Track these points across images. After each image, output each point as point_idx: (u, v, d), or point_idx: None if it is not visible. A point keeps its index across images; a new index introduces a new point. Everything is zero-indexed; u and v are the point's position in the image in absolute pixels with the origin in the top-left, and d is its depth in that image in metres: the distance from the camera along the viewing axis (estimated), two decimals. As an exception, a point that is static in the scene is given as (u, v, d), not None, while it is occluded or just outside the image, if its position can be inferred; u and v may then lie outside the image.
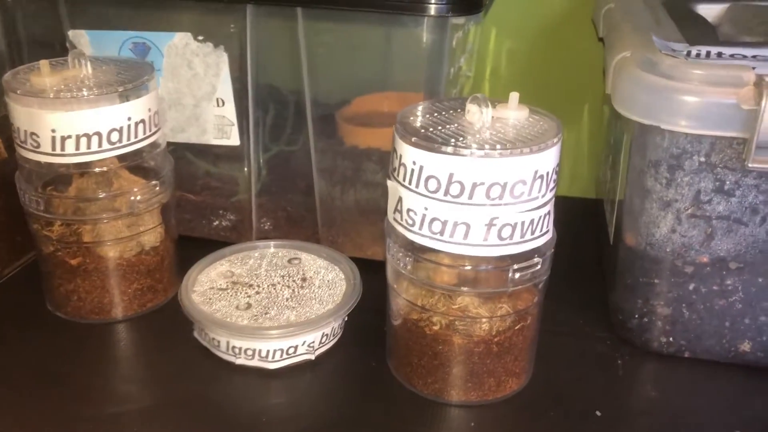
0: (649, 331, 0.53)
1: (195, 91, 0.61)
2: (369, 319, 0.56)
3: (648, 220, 0.49)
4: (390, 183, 0.46)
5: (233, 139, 0.62)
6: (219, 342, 0.51)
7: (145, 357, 0.53)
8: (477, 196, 0.42)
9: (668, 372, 0.52)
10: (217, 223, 0.66)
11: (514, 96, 0.45)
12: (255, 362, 0.51)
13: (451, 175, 0.42)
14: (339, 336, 0.54)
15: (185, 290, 0.53)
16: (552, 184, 0.44)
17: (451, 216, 0.43)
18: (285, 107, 0.63)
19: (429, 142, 0.42)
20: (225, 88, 0.60)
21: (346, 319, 0.55)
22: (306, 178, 0.64)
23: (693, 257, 0.49)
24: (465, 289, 0.45)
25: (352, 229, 0.64)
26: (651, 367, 0.53)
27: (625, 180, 0.52)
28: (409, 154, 0.43)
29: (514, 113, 0.45)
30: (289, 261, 0.58)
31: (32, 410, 0.47)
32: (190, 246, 0.61)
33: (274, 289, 0.54)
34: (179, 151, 0.65)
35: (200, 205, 0.66)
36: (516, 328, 0.47)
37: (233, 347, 0.50)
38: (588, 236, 0.69)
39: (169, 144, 0.59)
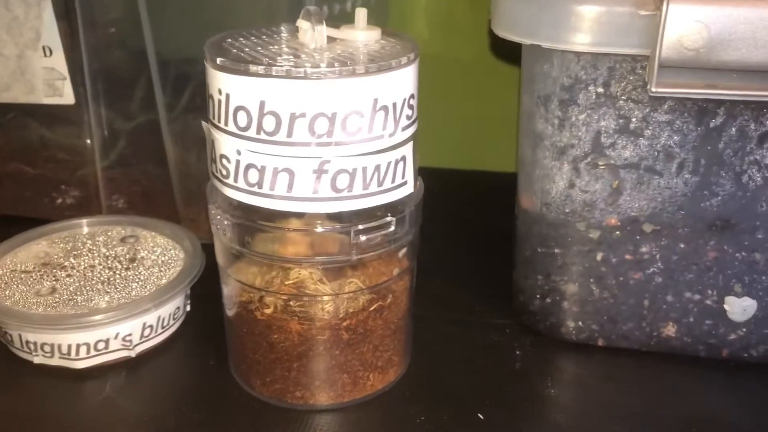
0: (554, 315, 0.43)
1: (16, 38, 0.51)
2: (215, 310, 0.46)
3: (542, 174, 0.40)
4: (205, 125, 0.36)
5: (66, 97, 0.52)
6: (12, 336, 0.40)
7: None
8: (298, 132, 0.32)
9: (578, 364, 0.43)
10: (60, 201, 0.56)
11: (362, 13, 0.36)
12: (56, 360, 0.40)
13: (262, 104, 0.32)
14: (174, 328, 0.44)
15: (-23, 273, 0.42)
16: (406, 121, 0.34)
17: (269, 161, 0.33)
18: (130, 63, 0.53)
19: (236, 62, 0.32)
20: (51, 34, 0.50)
21: (187, 308, 0.44)
22: (160, 151, 0.54)
23: (598, 219, 0.39)
24: (301, 258, 0.35)
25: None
26: (556, 359, 0.43)
27: (517, 130, 0.43)
28: (215, 82, 0.33)
29: (362, 34, 0.35)
30: (123, 240, 0.47)
31: None
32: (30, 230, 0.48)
33: (92, 271, 0.44)
34: (16, 117, 0.54)
35: (40, 180, 0.56)
36: (371, 309, 0.37)
37: (27, 342, 0.40)
38: (508, 214, 0.59)
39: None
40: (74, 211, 0.56)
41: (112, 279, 0.43)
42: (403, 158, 0.35)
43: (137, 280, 0.43)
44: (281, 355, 0.37)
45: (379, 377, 0.39)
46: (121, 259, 0.45)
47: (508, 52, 0.61)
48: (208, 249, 0.42)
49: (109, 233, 0.48)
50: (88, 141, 0.54)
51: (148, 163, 0.55)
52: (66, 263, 0.44)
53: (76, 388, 0.40)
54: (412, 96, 0.34)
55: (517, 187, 0.43)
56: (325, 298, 0.36)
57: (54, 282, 0.42)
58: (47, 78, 0.51)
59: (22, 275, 0.43)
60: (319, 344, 0.37)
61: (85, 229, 0.48)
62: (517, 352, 0.43)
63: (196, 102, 0.50)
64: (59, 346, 0.40)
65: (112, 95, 0.53)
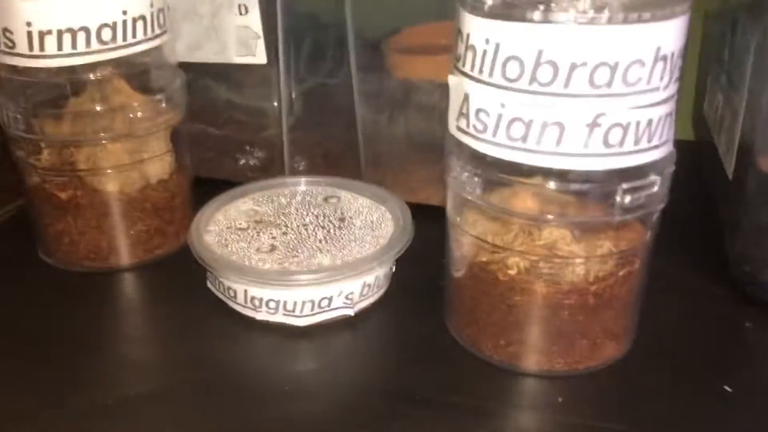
0: (789, 286, 0.40)
1: (213, -3, 0.51)
2: (420, 271, 0.45)
3: (797, 134, 0.37)
4: (453, 79, 0.35)
5: (259, 56, 0.52)
6: (235, 292, 0.40)
7: (149, 312, 0.43)
8: (576, 82, 0.30)
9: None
10: (243, 162, 0.56)
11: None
12: (280, 317, 0.40)
13: (539, 54, 0.30)
14: (384, 289, 0.43)
15: (196, 229, 0.43)
16: (677, 73, 0.32)
17: (538, 114, 0.31)
18: (323, 34, 0.52)
19: (509, 9, 0.31)
20: (248, -9, 0.50)
21: (393, 268, 0.44)
22: (348, 112, 0.53)
23: None
24: (555, 218, 0.34)
25: (401, 167, 0.52)
26: (791, 333, 0.41)
27: (753, 93, 0.40)
28: (480, 31, 0.32)
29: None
30: (325, 199, 0.47)
31: (15, 375, 0.38)
32: (212, 190, 0.48)
33: (306, 229, 0.43)
34: (198, 78, 0.54)
35: (223, 141, 0.56)
36: (620, 274, 0.35)
37: (252, 298, 0.40)
38: (688, 182, 0.56)
39: (185, 69, 0.49)
40: (257, 172, 0.56)
41: (328, 237, 0.42)
42: (670, 114, 0.33)
43: (354, 239, 0.42)
44: (521, 318, 0.36)
45: (615, 345, 0.37)
46: (331, 218, 0.44)
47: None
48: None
49: (312, 193, 0.47)
50: (275, 102, 0.54)
51: (333, 126, 0.54)
52: (278, 221, 0.44)
53: (298, 346, 0.40)
54: (684, 46, 0.32)
55: (715, 157, 0.41)
56: (577, 260, 0.34)
57: (272, 239, 0.42)
58: (240, 36, 0.51)
59: (239, 232, 0.43)
60: (563, 308, 0.35)
61: (287, 189, 0.48)
62: (747, 324, 0.41)
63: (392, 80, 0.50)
64: (285, 303, 0.39)
65: (301, 56, 0.52)
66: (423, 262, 0.46)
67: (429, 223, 0.44)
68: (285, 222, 0.44)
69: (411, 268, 0.45)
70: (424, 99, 0.50)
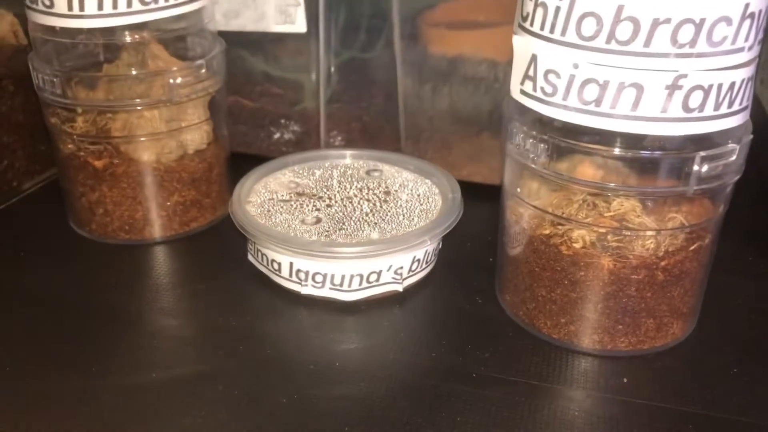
0: None
1: (252, -38, 0.49)
2: (466, 250, 0.44)
3: None
4: (518, 39, 0.33)
5: (299, 24, 0.50)
6: (280, 265, 0.39)
7: (187, 286, 0.41)
8: (658, 41, 0.28)
9: None
10: (278, 135, 0.54)
11: None
12: (326, 292, 0.38)
13: (619, 9, 0.28)
14: (432, 265, 0.42)
15: (238, 199, 0.41)
16: (761, 33, 0.30)
17: (615, 75, 0.29)
18: (359, 5, 0.50)
19: (587, -38, 0.29)
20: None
21: (440, 244, 0.42)
22: (387, 86, 0.52)
23: None
24: (625, 188, 0.32)
25: (443, 143, 0.51)
26: None
27: None
28: (553, -14, 0.30)
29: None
30: (367, 173, 0.45)
31: (47, 348, 0.36)
32: (246, 165, 0.46)
33: (350, 202, 0.42)
34: (233, 49, 0.53)
35: (258, 114, 0.54)
36: (691, 249, 0.34)
37: (298, 271, 0.38)
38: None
39: (222, 38, 0.47)
40: (292, 147, 0.54)
41: (374, 210, 0.41)
42: (752, 78, 0.31)
43: (402, 213, 0.40)
44: (584, 294, 0.34)
45: (681, 325, 0.36)
46: (376, 191, 0.43)
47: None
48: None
49: (353, 166, 0.46)
50: (313, 75, 0.52)
51: (371, 99, 0.53)
52: (321, 194, 0.42)
53: (345, 322, 0.38)
54: (769, 6, 0.30)
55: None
56: (648, 233, 0.33)
57: (317, 212, 0.41)
58: (279, 4, 0.49)
59: (281, 204, 0.41)
60: (631, 284, 0.33)
61: (328, 161, 0.46)
62: (814, 307, 0.39)
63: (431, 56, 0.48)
64: (332, 276, 0.38)
65: (341, 26, 0.50)
66: (468, 240, 0.44)
67: (472, 201, 0.42)
68: (328, 195, 0.42)
69: (456, 245, 0.43)
70: (470, 71, 0.48)
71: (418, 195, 0.42)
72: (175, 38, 0.44)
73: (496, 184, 0.39)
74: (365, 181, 0.44)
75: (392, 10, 0.48)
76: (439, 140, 0.51)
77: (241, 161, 0.48)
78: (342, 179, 0.44)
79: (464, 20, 0.50)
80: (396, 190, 0.43)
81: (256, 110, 0.54)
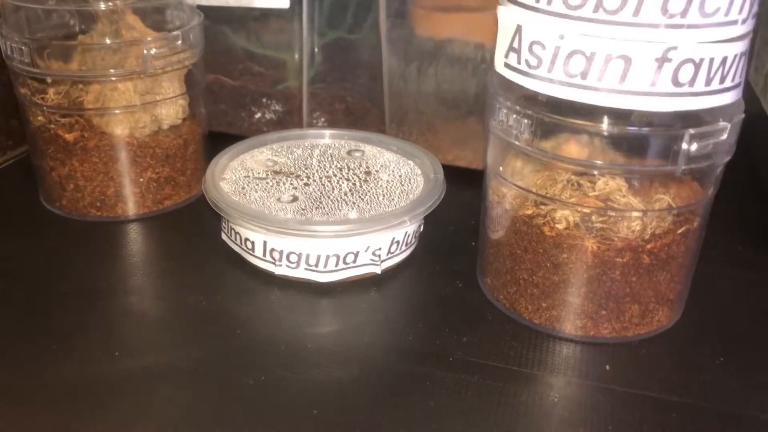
0: None
1: (234, -66, 0.47)
2: (448, 233, 0.43)
3: None
4: (503, 10, 0.31)
5: (281, 0, 0.48)
6: (253, 244, 0.37)
7: (158, 265, 0.40)
8: (647, 10, 0.27)
9: None
10: (259, 115, 0.53)
11: None
12: (301, 272, 0.37)
13: (608, -24, 0.27)
14: (412, 248, 0.40)
15: (211, 176, 0.40)
16: (756, 7, 0.29)
17: (602, 46, 0.28)
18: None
19: (575, -74, 0.27)
20: (272, -72, 0.46)
21: (421, 227, 0.41)
22: (371, 68, 0.50)
23: None
24: (611, 166, 0.31)
25: (428, 126, 0.49)
26: None
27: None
28: (539, -47, 0.29)
29: None
30: (349, 153, 0.44)
31: (14, 325, 0.35)
32: (227, 145, 0.44)
33: (329, 182, 0.40)
34: (215, 26, 0.51)
35: (239, 92, 0.53)
36: (678, 232, 0.32)
37: (272, 250, 0.37)
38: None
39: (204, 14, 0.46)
40: (272, 126, 0.53)
41: (353, 190, 0.39)
42: (745, 53, 0.30)
43: (382, 193, 0.39)
44: (567, 277, 0.33)
45: (667, 312, 0.34)
46: (356, 171, 0.41)
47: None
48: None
49: (334, 146, 0.44)
50: (296, 53, 0.50)
51: (356, 80, 0.51)
52: (299, 173, 0.41)
53: (320, 303, 0.37)
54: (764, -22, 0.29)
55: None
56: (634, 214, 0.31)
57: (294, 190, 0.39)
58: (262, -21, 0.48)
59: (257, 181, 0.40)
60: (615, 268, 0.32)
61: (308, 141, 0.45)
62: (803, 298, 0.38)
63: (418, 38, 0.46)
64: (308, 256, 0.36)
65: (328, 5, 0.49)
66: (450, 224, 0.43)
67: (455, 185, 0.41)
68: (306, 174, 0.41)
69: (438, 229, 0.42)
70: (457, 51, 0.47)
71: (400, 176, 0.41)
72: (153, 10, 0.42)
73: (481, 169, 0.37)
74: (346, 161, 0.43)
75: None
76: (425, 123, 0.49)
77: (221, 141, 0.47)
78: (322, 159, 0.43)
79: (453, 3, 0.49)
80: (377, 171, 0.42)
81: (238, 89, 0.53)
